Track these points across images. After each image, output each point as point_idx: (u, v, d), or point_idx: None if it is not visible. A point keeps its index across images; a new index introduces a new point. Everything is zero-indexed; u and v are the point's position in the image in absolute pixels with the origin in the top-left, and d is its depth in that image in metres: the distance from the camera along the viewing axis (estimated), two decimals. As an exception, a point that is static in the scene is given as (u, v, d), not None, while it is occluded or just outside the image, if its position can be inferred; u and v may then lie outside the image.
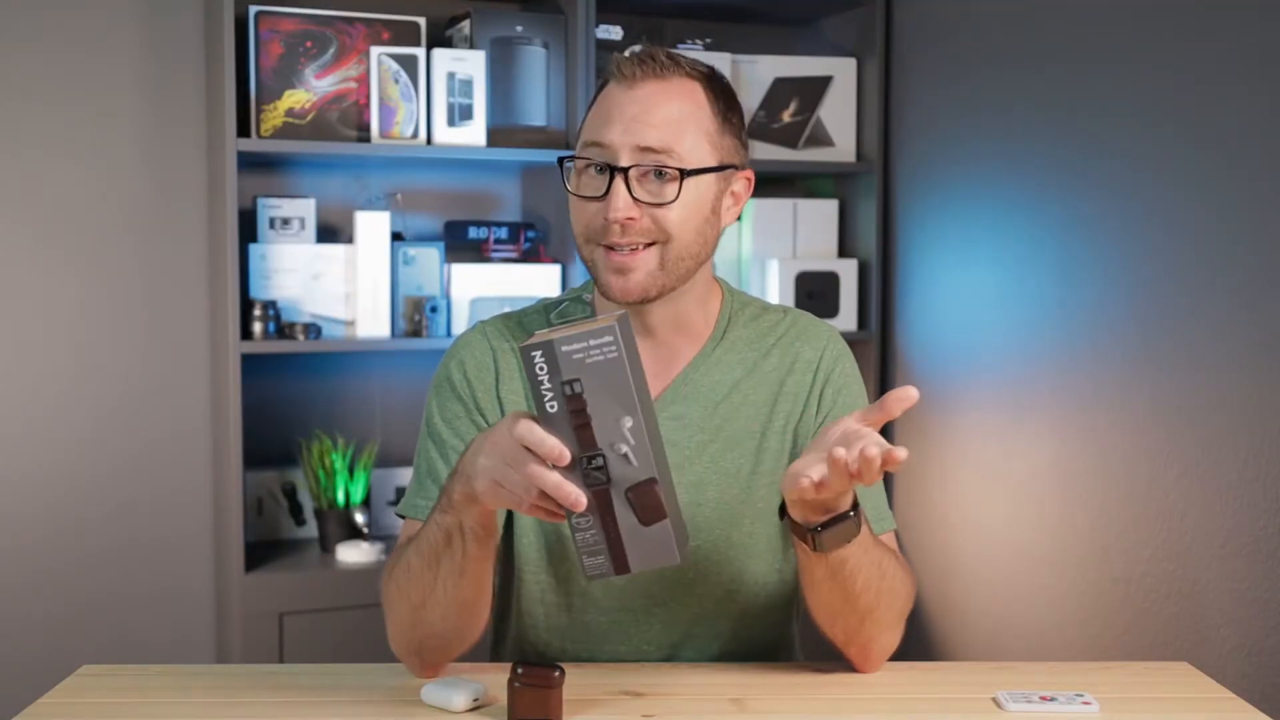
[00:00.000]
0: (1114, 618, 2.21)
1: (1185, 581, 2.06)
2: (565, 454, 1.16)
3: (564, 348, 1.15)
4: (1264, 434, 1.91)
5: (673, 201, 1.40)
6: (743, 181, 1.50)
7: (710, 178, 1.44)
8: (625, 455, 1.17)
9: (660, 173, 1.40)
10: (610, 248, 1.41)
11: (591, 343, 1.15)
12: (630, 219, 1.40)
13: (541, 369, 1.16)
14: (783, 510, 1.33)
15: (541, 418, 1.17)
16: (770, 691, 1.42)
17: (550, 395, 1.16)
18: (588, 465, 1.17)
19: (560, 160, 1.46)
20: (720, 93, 1.47)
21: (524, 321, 1.56)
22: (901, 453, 1.16)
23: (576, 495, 1.16)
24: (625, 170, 1.40)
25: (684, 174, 1.40)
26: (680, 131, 1.41)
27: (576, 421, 1.16)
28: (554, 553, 1.51)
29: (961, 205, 2.65)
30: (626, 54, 1.46)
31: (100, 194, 2.67)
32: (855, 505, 1.31)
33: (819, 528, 1.29)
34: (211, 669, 1.59)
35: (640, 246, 1.41)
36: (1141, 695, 1.44)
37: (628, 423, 1.16)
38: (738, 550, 1.50)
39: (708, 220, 1.45)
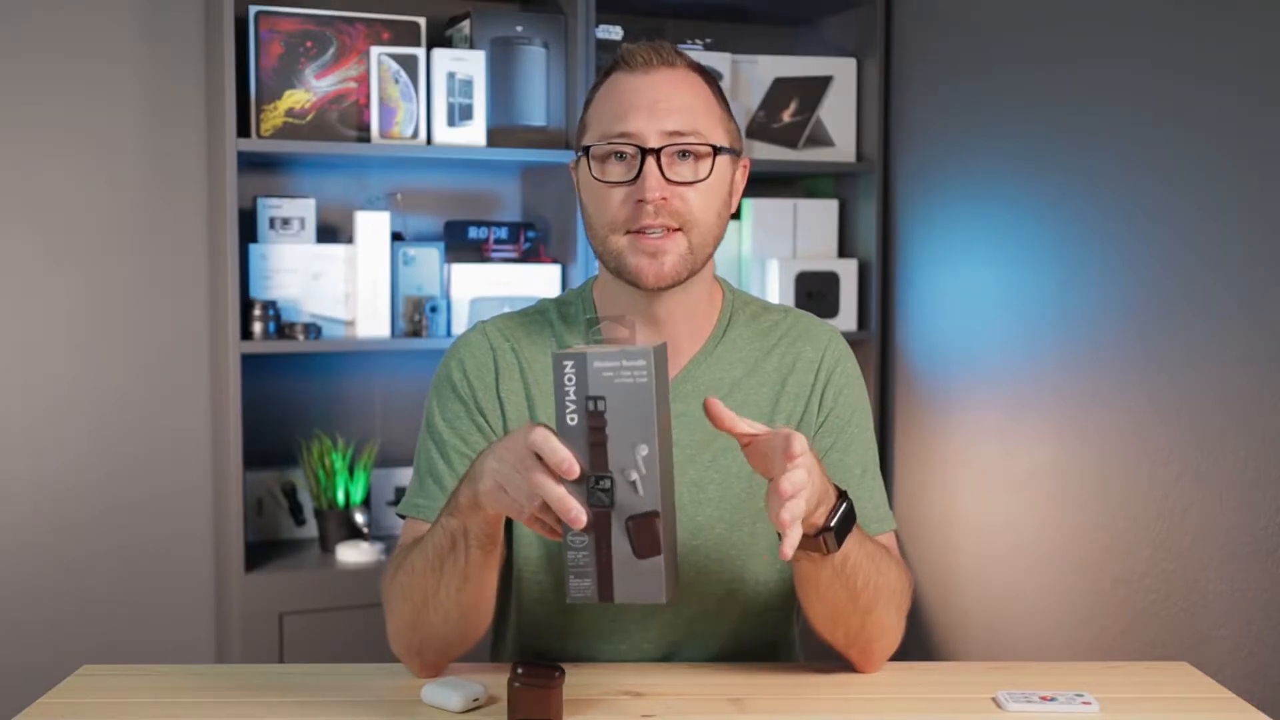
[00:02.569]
0: (1114, 618, 2.21)
1: (1185, 581, 2.06)
2: (575, 467, 1.15)
3: (595, 363, 1.15)
4: (1264, 434, 1.91)
5: (706, 179, 1.43)
6: (741, 170, 1.53)
7: (727, 159, 1.47)
8: (634, 483, 1.16)
9: (685, 153, 1.43)
10: (640, 232, 1.42)
11: (624, 363, 1.15)
12: (664, 199, 1.41)
13: (570, 380, 1.15)
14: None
15: (559, 429, 1.17)
16: (770, 691, 1.42)
17: (572, 408, 1.16)
18: (594, 485, 1.16)
19: (586, 148, 1.46)
20: (716, 86, 1.51)
21: (525, 321, 1.56)
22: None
23: (577, 511, 1.15)
24: (656, 151, 1.41)
25: (716, 150, 1.43)
26: (699, 115, 1.44)
27: (593, 439, 1.15)
28: (554, 553, 1.50)
29: (961, 205, 2.65)
30: (636, 45, 1.47)
31: (100, 194, 2.67)
32: (840, 492, 1.31)
33: (828, 527, 1.29)
34: (212, 669, 1.59)
35: (667, 231, 1.42)
36: (1141, 695, 1.44)
37: (643, 451, 1.16)
38: (738, 550, 1.50)
39: (726, 203, 1.48)
